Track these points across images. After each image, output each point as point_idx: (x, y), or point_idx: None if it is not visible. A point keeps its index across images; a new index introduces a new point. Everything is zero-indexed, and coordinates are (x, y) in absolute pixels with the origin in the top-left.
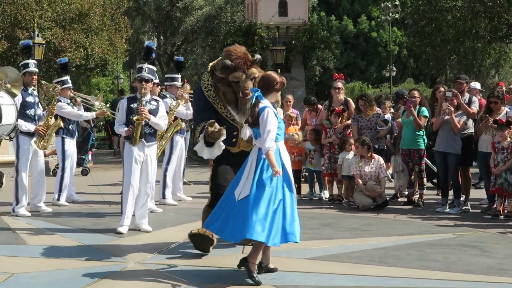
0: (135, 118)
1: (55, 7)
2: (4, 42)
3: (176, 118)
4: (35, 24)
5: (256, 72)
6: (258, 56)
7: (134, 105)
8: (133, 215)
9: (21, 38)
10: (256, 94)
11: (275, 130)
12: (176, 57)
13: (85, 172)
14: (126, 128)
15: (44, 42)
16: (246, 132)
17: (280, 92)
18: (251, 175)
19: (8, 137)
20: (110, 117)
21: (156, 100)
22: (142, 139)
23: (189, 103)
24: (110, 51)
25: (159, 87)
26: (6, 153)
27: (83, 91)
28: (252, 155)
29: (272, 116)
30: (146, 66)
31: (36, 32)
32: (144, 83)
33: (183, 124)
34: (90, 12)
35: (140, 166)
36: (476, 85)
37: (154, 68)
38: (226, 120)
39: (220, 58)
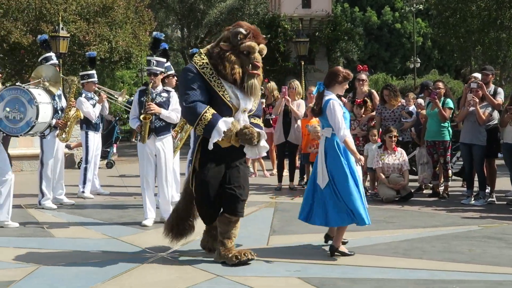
0: (141, 117)
1: (79, 1)
2: (30, 35)
3: None
4: (60, 18)
5: (265, 50)
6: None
7: (144, 99)
8: (158, 207)
9: (46, 32)
10: (320, 86)
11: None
12: (191, 49)
13: (110, 165)
14: (138, 124)
15: (68, 35)
16: (240, 117)
17: (300, 83)
18: (324, 164)
19: (41, 134)
20: None
21: (167, 91)
22: (153, 133)
23: None
24: (134, 44)
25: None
26: (31, 146)
27: (107, 84)
28: (320, 145)
29: (338, 107)
30: (155, 59)
31: (61, 26)
32: (153, 76)
33: None
34: (114, 5)
35: (154, 159)
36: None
37: (164, 60)
38: (222, 101)
39: (226, 32)
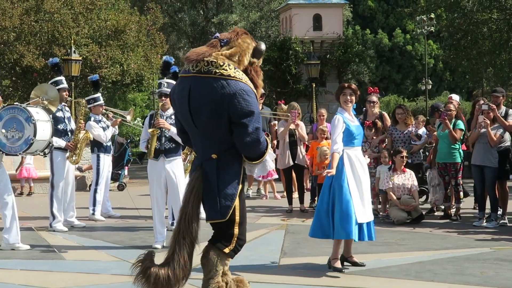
0: (149, 130)
1: (92, 24)
2: (42, 59)
3: None
4: (72, 41)
5: None
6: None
7: (154, 121)
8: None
9: (58, 55)
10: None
11: (339, 135)
12: None
13: (121, 187)
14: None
15: (80, 58)
16: None
17: (311, 105)
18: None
19: (42, 153)
20: None
21: None
22: (162, 155)
23: None
24: (145, 67)
25: None
26: (43, 168)
27: (119, 107)
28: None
29: (340, 122)
30: (165, 81)
31: (73, 49)
32: (163, 98)
33: None
34: (126, 28)
35: (164, 181)
36: (456, 97)
37: (174, 82)
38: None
39: (245, 45)
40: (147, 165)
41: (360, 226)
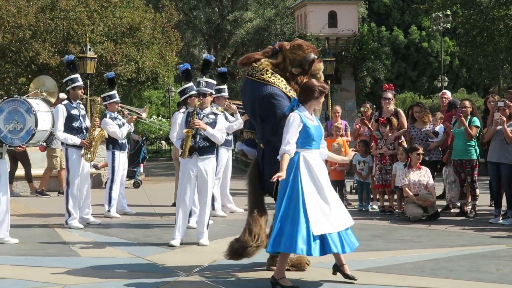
0: (184, 130)
1: (107, 22)
2: (57, 56)
3: None
4: (87, 39)
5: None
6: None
7: (190, 119)
8: (193, 228)
9: (74, 53)
10: (294, 103)
11: (294, 135)
12: (219, 68)
13: (137, 185)
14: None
15: (96, 56)
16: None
17: (327, 102)
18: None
19: (44, 143)
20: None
21: (215, 114)
22: (196, 153)
23: (238, 114)
24: (161, 65)
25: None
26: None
27: (135, 104)
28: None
29: (295, 121)
30: (204, 80)
31: (88, 47)
32: (202, 97)
33: (229, 136)
34: (141, 26)
35: (195, 180)
36: (448, 93)
37: (214, 82)
38: None
39: (291, 55)
40: (181, 161)
41: (340, 236)
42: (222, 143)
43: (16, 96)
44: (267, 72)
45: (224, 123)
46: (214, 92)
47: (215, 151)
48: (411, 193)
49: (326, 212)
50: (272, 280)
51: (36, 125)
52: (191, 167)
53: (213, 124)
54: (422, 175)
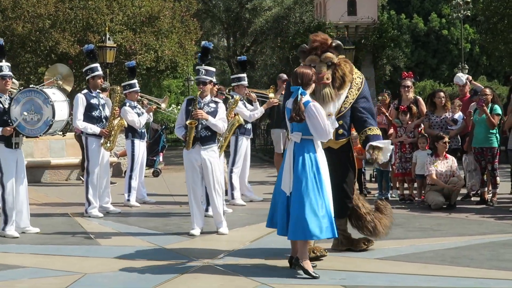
0: (187, 122)
1: (126, 11)
2: (77, 46)
3: (235, 114)
4: (107, 28)
5: (333, 57)
6: (336, 42)
7: (191, 108)
8: (210, 216)
9: (93, 42)
10: (300, 91)
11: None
12: (239, 57)
13: (156, 174)
14: (183, 133)
15: (115, 45)
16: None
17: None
18: (291, 171)
19: (61, 132)
20: None
21: (215, 102)
22: (198, 142)
23: (257, 103)
24: (180, 53)
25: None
26: (79, 155)
27: (154, 94)
28: (289, 150)
29: (320, 107)
30: (203, 68)
31: (107, 36)
32: (201, 85)
33: (245, 124)
34: (160, 15)
35: (200, 169)
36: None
37: (213, 69)
38: None
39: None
40: (183, 152)
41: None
42: (241, 132)
43: (33, 86)
44: None
45: (224, 112)
46: (214, 80)
47: (216, 140)
48: (440, 181)
49: None
50: (294, 261)
51: (53, 116)
52: (194, 156)
53: (214, 113)
54: (449, 165)
